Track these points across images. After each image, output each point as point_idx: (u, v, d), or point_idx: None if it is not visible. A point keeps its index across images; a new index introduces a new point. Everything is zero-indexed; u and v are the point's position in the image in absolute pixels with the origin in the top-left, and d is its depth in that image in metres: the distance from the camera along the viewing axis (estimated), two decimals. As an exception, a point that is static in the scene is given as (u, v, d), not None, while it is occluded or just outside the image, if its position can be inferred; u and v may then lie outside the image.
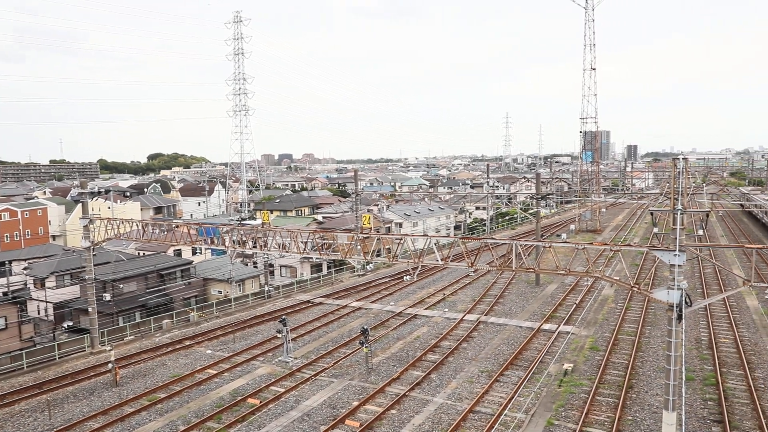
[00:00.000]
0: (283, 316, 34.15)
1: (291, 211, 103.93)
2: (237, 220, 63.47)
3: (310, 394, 27.87)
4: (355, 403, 26.37)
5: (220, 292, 52.66)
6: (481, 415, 25.13)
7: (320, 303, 45.63)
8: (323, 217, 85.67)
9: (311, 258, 58.70)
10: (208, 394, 28.30)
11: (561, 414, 25.00)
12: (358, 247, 31.99)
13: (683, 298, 17.37)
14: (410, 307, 43.27)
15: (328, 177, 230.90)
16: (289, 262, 62.67)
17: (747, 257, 44.22)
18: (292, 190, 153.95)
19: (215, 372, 30.94)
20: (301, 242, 30.95)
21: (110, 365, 30.12)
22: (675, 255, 17.51)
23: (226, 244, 34.68)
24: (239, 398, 27.33)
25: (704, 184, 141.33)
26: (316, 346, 35.23)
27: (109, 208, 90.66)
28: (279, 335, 32.92)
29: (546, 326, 37.45)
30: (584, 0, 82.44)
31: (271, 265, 60.76)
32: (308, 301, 46.09)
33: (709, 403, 25.71)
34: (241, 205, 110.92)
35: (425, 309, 42.59)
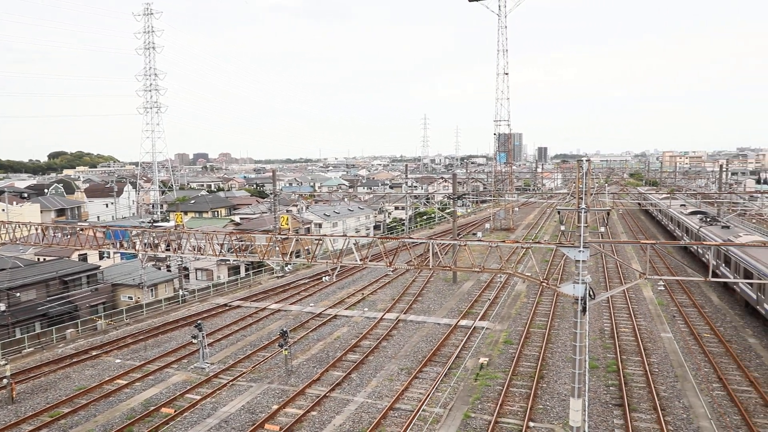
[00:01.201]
0: (199, 321, 33.04)
1: (207, 212, 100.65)
2: (148, 222, 60.69)
3: (228, 400, 27.16)
4: (275, 407, 25.99)
5: (130, 298, 50.14)
6: (401, 412, 25.50)
7: (238, 306, 44.55)
8: (241, 218, 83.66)
9: (228, 260, 57.17)
10: (117, 406, 26.88)
11: (477, 406, 25.84)
12: (277, 248, 31.53)
13: (587, 292, 18.46)
14: (330, 307, 43.17)
15: (245, 177, 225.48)
16: (205, 265, 60.68)
17: (643, 252, 47.74)
18: (208, 191, 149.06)
19: (125, 382, 29.44)
20: (218, 244, 30.08)
21: (5, 381, 27.91)
22: (580, 251, 18.58)
23: (137, 247, 33.09)
24: (152, 408, 26.16)
25: (607, 185, 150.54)
26: (234, 350, 34.37)
27: (2, 210, 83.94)
28: (194, 341, 31.82)
29: (463, 322, 38.56)
30: (497, 7, 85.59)
31: (186, 269, 58.58)
32: (225, 305, 44.87)
33: (611, 388, 27.48)
34: (153, 206, 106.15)
35: (345, 309, 42.65)
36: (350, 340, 35.67)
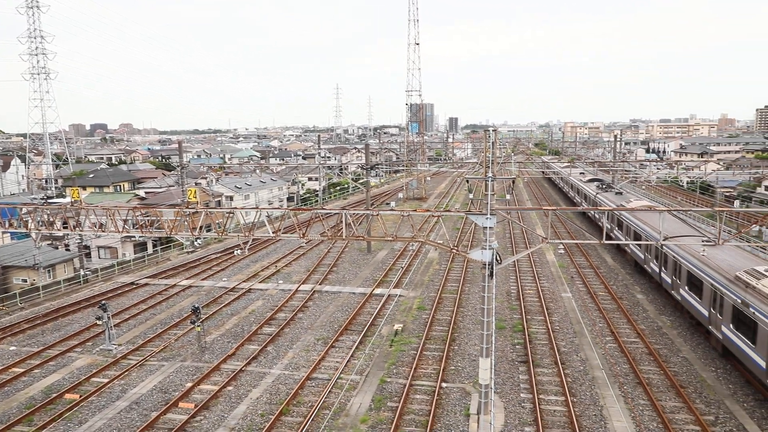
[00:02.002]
0: (103, 302, 31.46)
1: (108, 186, 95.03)
2: (42, 199, 56.41)
3: (138, 381, 26.24)
4: (189, 385, 25.45)
5: (25, 280, 46.74)
6: (318, 381, 25.79)
7: (146, 284, 42.78)
8: (146, 193, 79.76)
9: (134, 237, 54.52)
10: (14, 395, 25.25)
11: (393, 371, 26.61)
12: (186, 222, 30.41)
13: (494, 257, 19.34)
14: (244, 281, 42.47)
15: (150, 149, 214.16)
16: (108, 242, 57.53)
17: (546, 217, 50.33)
18: (108, 164, 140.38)
19: (22, 370, 27.64)
20: (121, 220, 28.56)
21: None
22: (487, 218, 19.36)
23: (30, 226, 30.75)
24: (54, 395, 24.81)
25: (513, 154, 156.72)
26: (144, 329, 33.12)
27: None
28: (99, 322, 30.32)
29: (378, 291, 39.27)
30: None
31: (87, 247, 55.28)
32: (132, 283, 42.94)
33: (517, 347, 29.18)
34: (46, 181, 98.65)
35: (259, 282, 42.12)
36: (265, 313, 35.38)
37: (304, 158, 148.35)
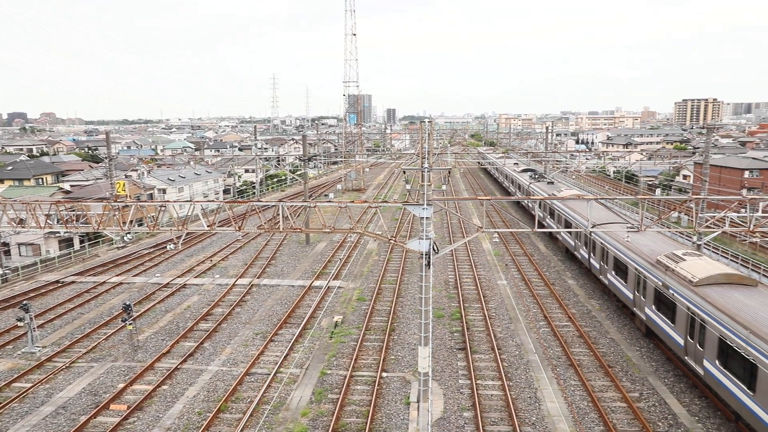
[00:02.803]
0: (25, 302, 29.72)
1: (29, 179, 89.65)
2: (-47, 194, 52.62)
3: (65, 384, 25.01)
4: (121, 385, 24.50)
5: (-65, 281, 43.46)
6: (257, 376, 25.41)
7: (72, 282, 40.74)
8: (71, 186, 75.82)
9: (58, 233, 51.75)
10: (-74, 403, 23.51)
11: (333, 363, 26.58)
12: (116, 216, 29.12)
13: (431, 247, 19.57)
14: (178, 276, 41.20)
15: (75, 140, 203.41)
16: (29, 238, 54.34)
17: (482, 206, 51.66)
18: (29, 156, 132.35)
19: (-65, 376, 25.77)
20: (43, 215, 27.00)
21: None
22: (424, 209, 19.55)
23: (-61, 222, 28.55)
24: (-29, 402, 23.27)
25: (450, 145, 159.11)
26: (71, 330, 31.56)
27: None
28: (20, 324, 28.64)
29: (317, 283, 39.05)
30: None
31: (6, 244, 52.02)
32: (57, 281, 40.79)
33: (455, 334, 29.77)
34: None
35: (195, 277, 40.98)
36: (201, 308, 34.48)
37: (240, 149, 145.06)
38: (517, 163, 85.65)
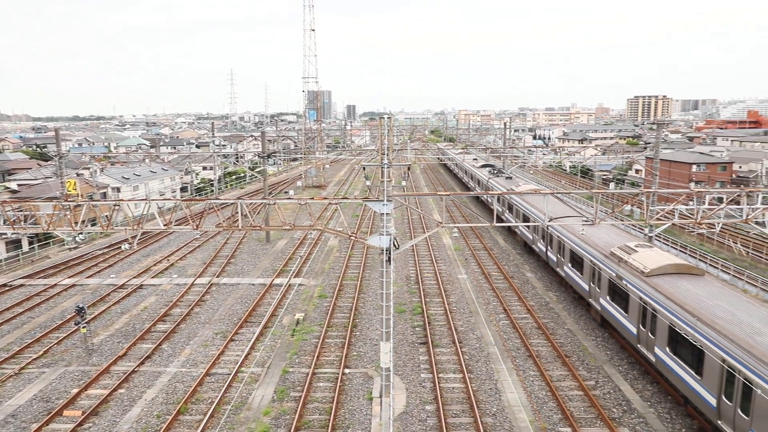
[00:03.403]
0: (-30, 306, 28.46)
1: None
2: None
3: (14, 391, 24.09)
4: (75, 391, 23.75)
5: None
6: (218, 376, 25.04)
7: (21, 285, 39.22)
8: (19, 185, 72.93)
9: (5, 234, 49.71)
10: None
11: (295, 361, 26.42)
12: (66, 216, 28.14)
13: (392, 243, 19.65)
14: (134, 277, 40.17)
15: (22, 137, 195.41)
16: (-26, 241, 51.97)
17: (442, 202, 51.93)
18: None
19: None
20: (-12, 216, 25.81)
21: None
22: (384, 204, 19.60)
23: None
24: None
25: (410, 141, 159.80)
26: (20, 334, 30.40)
27: None
28: (-34, 329, 27.42)
29: (278, 280, 38.70)
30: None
31: (-52, 247, 49.64)
32: (4, 285, 39.19)
33: (417, 329, 30.00)
34: None
35: (152, 278, 40.03)
36: (159, 309, 33.72)
37: (197, 146, 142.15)
38: (476, 159, 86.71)
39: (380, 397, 22.27)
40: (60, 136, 54.27)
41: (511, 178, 59.24)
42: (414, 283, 37.82)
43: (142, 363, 26.34)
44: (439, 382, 23.86)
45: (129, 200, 24.10)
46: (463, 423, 21.02)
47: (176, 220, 55.21)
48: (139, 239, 49.68)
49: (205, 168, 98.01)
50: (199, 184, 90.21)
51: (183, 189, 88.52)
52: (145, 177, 79.40)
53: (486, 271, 40.00)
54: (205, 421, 21.02)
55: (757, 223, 26.94)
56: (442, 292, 35.62)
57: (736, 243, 48.40)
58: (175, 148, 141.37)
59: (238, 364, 25.93)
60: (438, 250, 46.65)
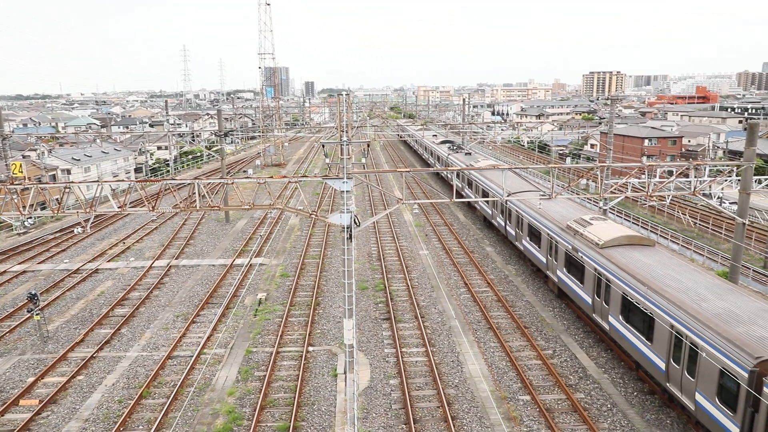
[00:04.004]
0: None
1: None
2: None
3: (-34, 381, 23.32)
4: (31, 379, 23.16)
5: None
6: (180, 359, 24.80)
7: (-32, 272, 37.68)
8: (-40, 169, 69.49)
9: (-52, 220, 47.47)
10: None
11: (258, 341, 26.37)
12: (14, 200, 27.06)
13: (352, 220, 19.67)
14: (89, 261, 39.10)
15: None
16: None
17: (402, 179, 52.00)
18: None
19: None
20: (-72, 202, 24.60)
21: None
22: (344, 182, 19.55)
23: None
24: None
25: (369, 118, 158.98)
26: (-31, 323, 29.31)
27: None
28: None
29: (239, 261, 38.33)
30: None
31: None
32: (-50, 273, 37.59)
33: (379, 305, 30.28)
34: None
35: (108, 261, 39.05)
36: (117, 293, 33.00)
37: (151, 125, 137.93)
38: (435, 135, 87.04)
39: (345, 373, 22.51)
40: (2, 115, 51.82)
41: (470, 154, 59.78)
42: (376, 260, 38.04)
43: (100, 348, 25.83)
44: (402, 357, 24.24)
45: (80, 182, 23.33)
46: (426, 395, 21.47)
47: (131, 202, 53.75)
48: (92, 222, 48.26)
49: (160, 148, 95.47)
50: (154, 164, 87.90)
51: (137, 170, 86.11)
52: (96, 158, 76.80)
53: (447, 247, 40.53)
54: (168, 404, 20.85)
55: (704, 195, 28.06)
56: (404, 268, 35.96)
57: (685, 214, 50.32)
58: (127, 127, 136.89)
59: (201, 345, 25.71)
60: (399, 227, 46.94)
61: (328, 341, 26.16)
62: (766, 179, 30.04)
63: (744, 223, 25.94)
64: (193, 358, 24.48)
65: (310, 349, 25.39)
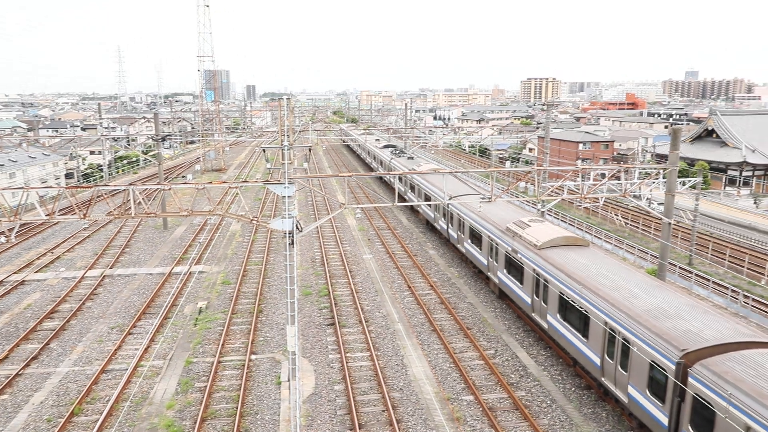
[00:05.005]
0: None
1: None
2: None
3: None
4: (-51, 400, 21.64)
5: None
6: (115, 373, 23.79)
7: None
8: None
9: None
10: None
11: (199, 350, 25.64)
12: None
13: (295, 225, 19.49)
14: (15, 272, 36.96)
15: None
16: None
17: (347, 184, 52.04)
18: None
19: None
20: None
21: None
22: (285, 187, 19.35)
23: None
24: None
25: (311, 122, 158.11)
26: None
27: None
28: None
29: (178, 269, 37.19)
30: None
31: None
32: None
33: (323, 310, 30.07)
34: None
35: (35, 272, 37.04)
36: (45, 306, 31.33)
37: (83, 129, 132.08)
38: (378, 140, 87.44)
39: (288, 380, 22.20)
40: None
41: (412, 158, 60.37)
42: (320, 265, 37.78)
43: (27, 365, 24.44)
44: (347, 362, 24.14)
45: (4, 189, 22.06)
46: (371, 399, 21.45)
47: (60, 210, 51.21)
48: (18, 231, 45.71)
49: (93, 152, 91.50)
50: (86, 170, 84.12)
51: (68, 176, 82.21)
52: (22, 163, 72.76)
53: (390, 250, 40.72)
54: (102, 421, 19.94)
55: (634, 196, 29.40)
56: (348, 272, 35.87)
57: (617, 215, 52.59)
58: (57, 131, 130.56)
59: (137, 358, 24.76)
60: (342, 231, 46.81)
61: (272, 348, 25.75)
62: (689, 181, 31.77)
63: (670, 223, 27.35)
64: (129, 371, 23.53)
65: (253, 357, 24.91)
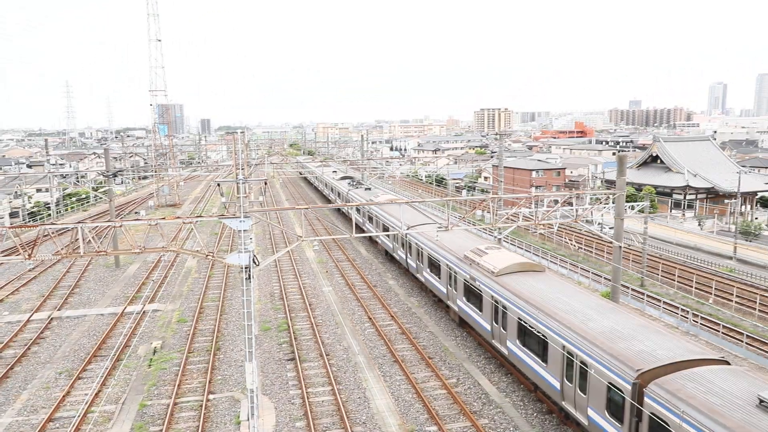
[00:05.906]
0: None
1: None
2: None
3: None
4: None
5: None
6: (63, 421, 22.62)
7: None
8: None
9: None
10: None
11: (154, 392, 24.71)
12: None
13: (251, 260, 19.22)
14: (-46, 318, 35.00)
15: None
16: None
17: (303, 216, 52.16)
18: None
19: None
20: None
21: None
22: (241, 221, 19.14)
23: None
24: None
25: (268, 155, 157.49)
26: None
27: None
28: None
29: (130, 308, 35.97)
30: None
31: None
32: None
33: (283, 345, 29.52)
34: None
35: (-23, 317, 35.17)
36: (-13, 352, 29.69)
37: (29, 166, 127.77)
38: (335, 171, 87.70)
39: (248, 419, 21.56)
40: None
41: (370, 189, 60.71)
42: (278, 299, 37.22)
43: (-34, 416, 23.02)
44: (308, 397, 23.68)
45: (-58, 231, 21.05)
46: (333, 435, 21.03)
47: (3, 251, 49.06)
48: (-42, 274, 43.40)
49: (39, 190, 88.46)
50: (32, 208, 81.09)
51: (13, 215, 79.07)
52: (-37, 203, 69.66)
53: (350, 282, 40.52)
54: (48, 472, 18.86)
55: (586, 221, 30.33)
56: (308, 306, 35.45)
57: (571, 240, 53.94)
58: (1, 168, 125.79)
59: (87, 404, 23.64)
60: (301, 264, 46.38)
61: (230, 387, 25.05)
62: (637, 205, 33.02)
63: (620, 246, 28.24)
64: (79, 418, 22.41)
65: (211, 397, 24.16)
